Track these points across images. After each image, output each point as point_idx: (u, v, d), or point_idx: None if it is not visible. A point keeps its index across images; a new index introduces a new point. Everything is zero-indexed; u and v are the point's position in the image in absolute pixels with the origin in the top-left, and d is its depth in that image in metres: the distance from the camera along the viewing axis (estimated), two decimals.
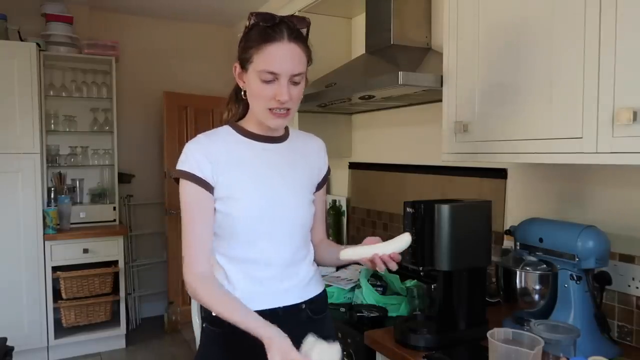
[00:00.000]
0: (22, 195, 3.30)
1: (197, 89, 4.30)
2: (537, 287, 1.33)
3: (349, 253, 1.17)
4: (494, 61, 1.39)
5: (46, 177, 3.52)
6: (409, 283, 1.80)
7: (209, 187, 1.15)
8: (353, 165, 2.77)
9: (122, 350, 3.63)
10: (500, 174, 1.85)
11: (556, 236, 1.36)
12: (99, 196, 3.84)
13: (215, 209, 1.17)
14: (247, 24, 1.16)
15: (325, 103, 2.21)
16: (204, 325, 1.25)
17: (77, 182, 3.81)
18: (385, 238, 1.20)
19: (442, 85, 1.59)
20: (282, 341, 0.99)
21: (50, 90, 3.66)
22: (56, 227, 3.41)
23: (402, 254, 1.18)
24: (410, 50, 2.03)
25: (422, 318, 1.53)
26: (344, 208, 2.82)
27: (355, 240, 2.73)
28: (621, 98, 1.04)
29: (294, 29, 1.14)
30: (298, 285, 1.24)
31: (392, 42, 2.04)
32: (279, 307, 1.20)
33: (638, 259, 1.38)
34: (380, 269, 1.16)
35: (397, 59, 1.98)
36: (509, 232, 1.56)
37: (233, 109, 1.28)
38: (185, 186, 1.16)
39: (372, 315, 1.67)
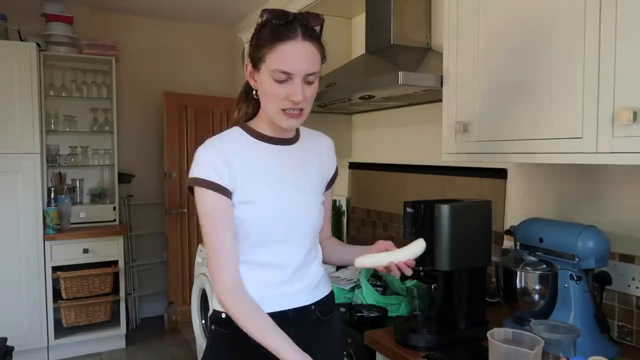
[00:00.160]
0: (22, 195, 3.30)
1: (197, 89, 4.30)
2: (537, 287, 1.33)
3: (365, 261, 1.16)
4: (493, 61, 1.39)
5: (46, 177, 3.52)
6: (409, 283, 1.80)
7: (227, 193, 1.11)
8: (353, 165, 2.77)
9: (122, 350, 3.63)
10: (500, 174, 1.85)
11: (556, 236, 1.36)
12: (99, 196, 3.84)
13: None
14: (259, 20, 1.12)
15: (325, 103, 2.21)
16: (212, 327, 1.22)
17: (77, 182, 3.81)
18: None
19: (442, 85, 1.59)
20: None
21: (50, 90, 3.66)
22: (56, 227, 3.41)
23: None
24: (410, 50, 2.03)
25: (422, 318, 1.53)
26: (344, 208, 2.82)
27: (355, 240, 2.73)
28: (621, 98, 1.04)
29: (308, 26, 1.09)
30: (308, 287, 1.22)
31: (392, 42, 2.04)
32: (289, 310, 1.18)
33: (638, 259, 1.38)
34: (396, 275, 1.16)
35: (397, 59, 1.98)
36: (509, 232, 1.56)
37: (243, 108, 1.24)
38: (204, 195, 1.11)
39: (372, 315, 1.67)
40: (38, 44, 3.38)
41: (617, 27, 1.05)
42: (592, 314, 1.31)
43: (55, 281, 3.40)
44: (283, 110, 1.10)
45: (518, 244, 1.48)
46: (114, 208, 3.78)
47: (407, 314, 1.69)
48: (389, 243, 1.20)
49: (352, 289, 1.90)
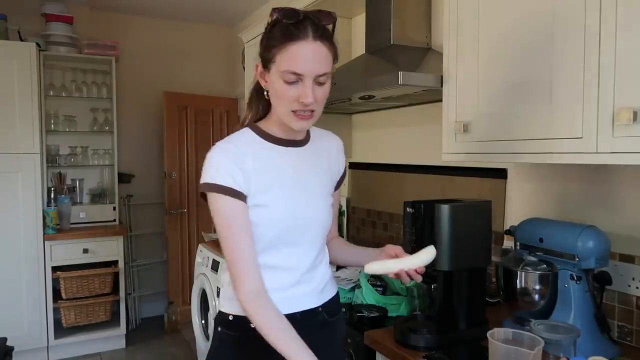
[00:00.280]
0: (22, 195, 3.30)
1: (197, 89, 4.30)
2: (537, 287, 1.33)
3: (375, 267, 1.15)
4: (494, 61, 1.39)
5: (46, 177, 3.52)
6: (409, 283, 1.80)
7: (243, 198, 1.10)
8: (353, 165, 2.77)
9: (122, 350, 3.63)
10: (500, 174, 1.85)
11: (556, 236, 1.35)
12: (99, 196, 3.84)
13: None
14: (269, 19, 1.09)
15: (326, 103, 2.21)
16: (218, 328, 1.20)
17: (77, 182, 3.81)
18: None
19: (442, 85, 1.59)
20: None
21: (50, 90, 3.66)
22: (56, 227, 3.41)
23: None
24: (410, 50, 2.03)
25: (422, 318, 1.53)
26: (344, 208, 2.82)
27: (355, 240, 2.73)
28: (621, 98, 1.04)
29: (319, 25, 1.06)
30: (316, 289, 1.22)
31: (392, 42, 2.04)
32: (297, 312, 1.17)
33: (638, 259, 1.38)
34: (405, 282, 1.16)
35: (397, 59, 1.98)
36: (509, 232, 1.56)
37: (254, 108, 1.22)
38: (219, 200, 1.08)
39: (372, 315, 1.67)
40: (38, 44, 3.39)
41: (617, 27, 1.05)
42: (592, 314, 1.31)
43: (55, 281, 3.40)
44: (293, 111, 1.08)
45: (518, 244, 1.48)
46: (114, 208, 3.78)
47: (407, 314, 1.69)
48: (399, 248, 1.19)
49: (352, 289, 1.90)
